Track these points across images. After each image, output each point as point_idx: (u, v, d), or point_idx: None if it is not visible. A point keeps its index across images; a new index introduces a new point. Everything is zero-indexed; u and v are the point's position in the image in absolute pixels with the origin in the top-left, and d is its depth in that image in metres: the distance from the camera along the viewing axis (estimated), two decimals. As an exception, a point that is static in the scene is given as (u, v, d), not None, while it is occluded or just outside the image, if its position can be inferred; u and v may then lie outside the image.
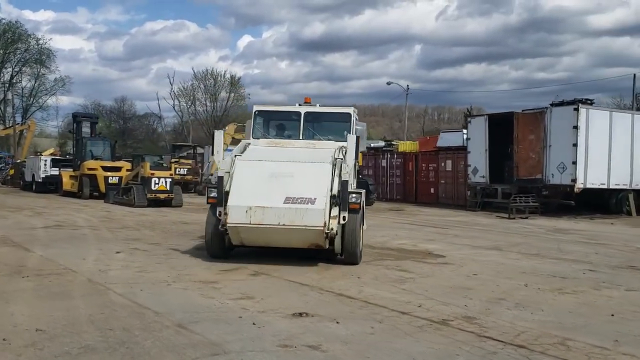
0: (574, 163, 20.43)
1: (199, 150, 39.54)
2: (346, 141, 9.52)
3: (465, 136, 25.58)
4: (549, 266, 9.75)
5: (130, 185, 22.61)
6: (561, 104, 21.54)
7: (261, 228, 8.63)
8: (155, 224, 15.62)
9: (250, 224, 8.58)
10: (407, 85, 49.72)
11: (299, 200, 8.63)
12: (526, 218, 20.27)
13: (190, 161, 35.91)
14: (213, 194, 9.08)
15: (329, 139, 10.45)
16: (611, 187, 21.43)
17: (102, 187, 26.12)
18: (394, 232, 14.86)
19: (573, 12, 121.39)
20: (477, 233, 15.28)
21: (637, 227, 18.16)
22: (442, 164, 26.95)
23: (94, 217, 17.53)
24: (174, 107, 67.23)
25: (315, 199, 8.66)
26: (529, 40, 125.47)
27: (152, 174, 21.98)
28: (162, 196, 22.08)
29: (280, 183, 8.84)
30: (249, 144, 10.25)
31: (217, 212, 8.94)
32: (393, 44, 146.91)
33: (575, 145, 20.40)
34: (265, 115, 11.10)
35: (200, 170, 36.90)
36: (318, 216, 8.54)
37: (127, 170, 26.79)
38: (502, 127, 23.04)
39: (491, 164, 23.36)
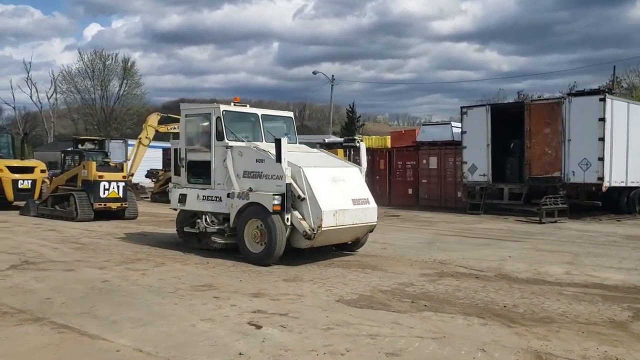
0: (601, 159, 18.38)
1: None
2: (295, 143, 11.30)
3: (454, 129, 22.85)
4: None
5: (68, 192, 16.99)
6: (581, 93, 19.43)
7: (341, 229, 9.45)
8: (162, 251, 10.93)
9: (336, 225, 9.30)
10: (332, 76, 46.46)
11: (360, 201, 9.80)
12: (555, 222, 17.90)
13: (99, 159, 29.59)
14: (277, 202, 9.09)
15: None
16: (628, 184, 19.78)
17: (10, 195, 19.92)
18: (478, 251, 11.51)
19: (419, 17, 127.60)
20: (569, 247, 12.32)
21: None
22: (424, 161, 23.84)
23: (51, 242, 12.19)
24: (31, 97, 59.32)
25: (368, 199, 10.03)
26: (379, 42, 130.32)
27: (101, 176, 16.63)
28: (114, 206, 16.84)
29: (340, 187, 9.66)
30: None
31: (285, 219, 9.08)
32: (252, 40, 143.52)
33: (602, 139, 18.33)
34: (229, 117, 10.53)
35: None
36: (375, 213, 10.16)
37: (42, 171, 20.88)
38: (502, 119, 20.61)
39: (493, 160, 20.81)
